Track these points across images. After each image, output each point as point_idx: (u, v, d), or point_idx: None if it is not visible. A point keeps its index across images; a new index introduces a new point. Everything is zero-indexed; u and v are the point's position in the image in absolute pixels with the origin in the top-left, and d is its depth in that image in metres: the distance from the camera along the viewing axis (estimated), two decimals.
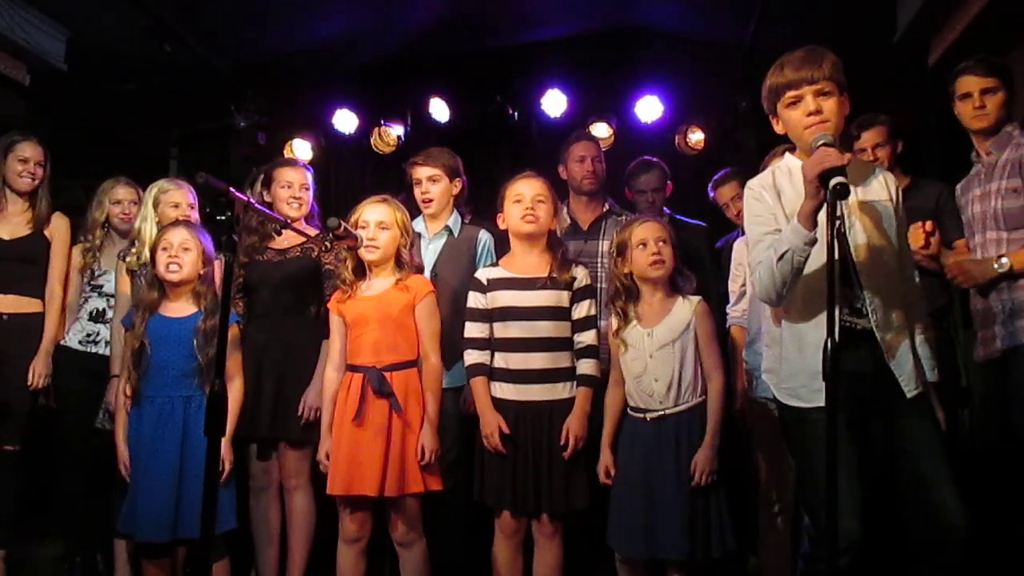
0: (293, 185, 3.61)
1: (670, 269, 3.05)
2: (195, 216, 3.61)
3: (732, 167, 4.14)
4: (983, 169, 3.12)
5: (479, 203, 3.85)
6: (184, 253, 3.14)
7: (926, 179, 3.67)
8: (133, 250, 3.57)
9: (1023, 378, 2.88)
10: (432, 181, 3.53)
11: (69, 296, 3.85)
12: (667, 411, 2.98)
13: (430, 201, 3.54)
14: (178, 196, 3.62)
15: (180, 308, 3.19)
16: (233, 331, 3.21)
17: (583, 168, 3.94)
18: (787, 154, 2.52)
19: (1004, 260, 2.94)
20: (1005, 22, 3.74)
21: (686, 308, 3.04)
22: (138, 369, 3.12)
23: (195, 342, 3.10)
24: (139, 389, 3.11)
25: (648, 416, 3.00)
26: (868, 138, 3.63)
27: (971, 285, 3.07)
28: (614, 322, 3.11)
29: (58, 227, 3.84)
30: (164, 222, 3.53)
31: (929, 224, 3.09)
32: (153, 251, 3.21)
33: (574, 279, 3.11)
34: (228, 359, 3.13)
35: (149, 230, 3.54)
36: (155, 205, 3.59)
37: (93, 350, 3.71)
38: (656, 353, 3.00)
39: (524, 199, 3.11)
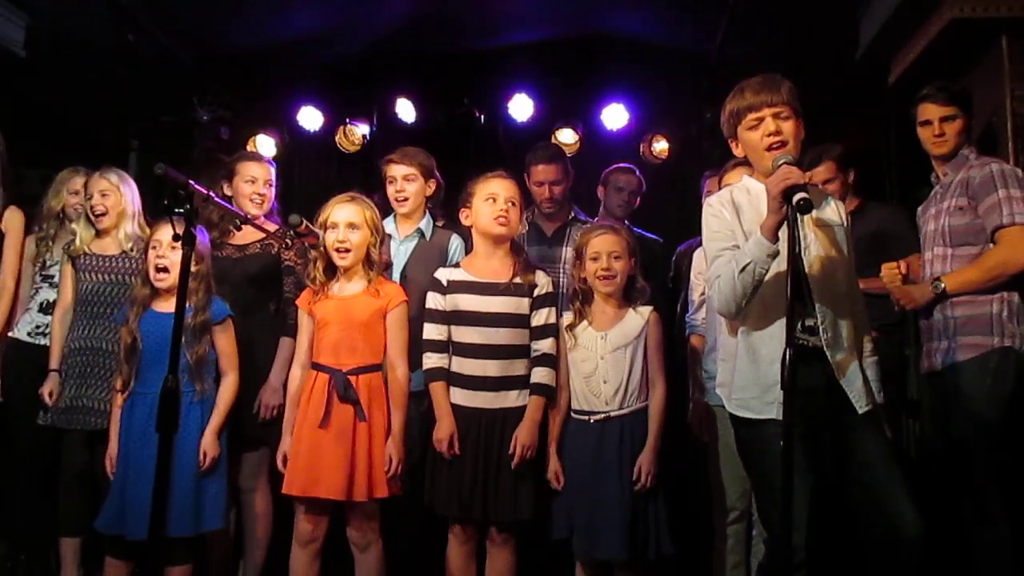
0: (257, 181, 3.57)
1: (620, 284, 3.10)
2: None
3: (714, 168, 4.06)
4: (940, 190, 3.20)
5: (447, 206, 3.85)
6: (172, 252, 3.08)
7: (875, 202, 3.75)
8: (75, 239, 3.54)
9: (962, 394, 2.96)
10: (407, 180, 3.50)
11: (20, 287, 3.77)
12: (612, 413, 3.01)
13: (405, 200, 3.50)
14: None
15: (171, 304, 3.12)
16: (227, 325, 3.18)
17: (541, 192, 3.95)
18: (744, 176, 2.59)
19: (940, 283, 3.04)
20: (963, 44, 3.82)
21: (639, 317, 3.10)
22: (130, 365, 3.09)
23: (184, 338, 3.05)
24: (131, 385, 3.09)
25: (592, 418, 3.03)
26: (818, 174, 3.68)
27: (913, 307, 3.17)
28: (567, 317, 3.14)
29: (12, 221, 3.76)
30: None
31: (903, 266, 3.20)
32: (145, 248, 3.18)
33: (535, 285, 3.12)
34: (221, 354, 3.16)
35: (82, 223, 3.56)
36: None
37: (42, 342, 3.63)
38: (608, 356, 3.04)
39: (498, 199, 3.09)
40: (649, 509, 2.97)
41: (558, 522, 3.03)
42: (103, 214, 3.49)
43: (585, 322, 3.11)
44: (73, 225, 3.61)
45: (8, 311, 3.72)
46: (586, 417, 3.05)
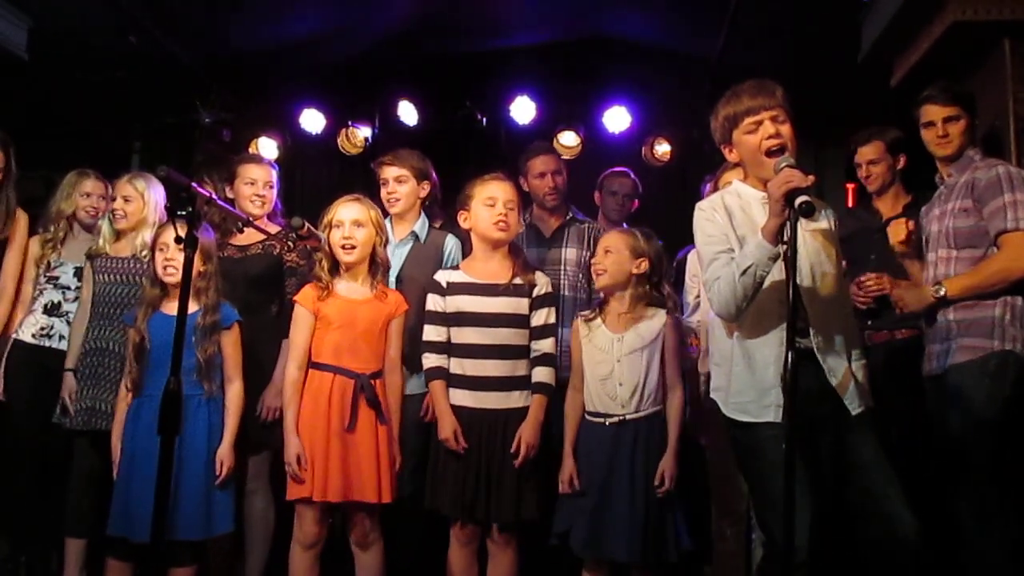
0: (257, 182, 3.58)
1: (606, 282, 3.11)
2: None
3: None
4: (944, 191, 3.19)
5: (448, 207, 3.85)
6: (180, 254, 3.08)
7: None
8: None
9: (961, 395, 2.95)
10: (399, 182, 3.51)
11: (24, 289, 3.77)
12: (628, 416, 3.01)
13: (396, 202, 3.52)
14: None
15: None
16: (235, 331, 3.19)
17: (544, 184, 3.95)
18: (735, 181, 2.60)
19: (941, 288, 3.02)
20: (966, 47, 3.82)
21: (657, 319, 3.09)
22: (138, 365, 3.09)
23: (195, 338, 3.07)
24: (139, 386, 3.09)
25: (608, 420, 3.02)
26: (863, 153, 3.69)
27: (909, 311, 3.17)
28: (580, 324, 3.15)
29: (18, 225, 3.76)
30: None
31: (912, 223, 3.17)
32: (152, 249, 3.20)
33: (534, 285, 3.12)
34: (227, 359, 3.15)
35: (105, 223, 3.60)
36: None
37: (47, 344, 3.63)
38: (624, 358, 3.04)
39: (497, 203, 3.10)
40: (666, 511, 2.96)
41: (561, 516, 3.03)
42: (122, 218, 3.54)
43: (599, 320, 3.12)
44: (100, 222, 3.65)
45: (7, 314, 3.72)
46: (601, 419, 3.04)
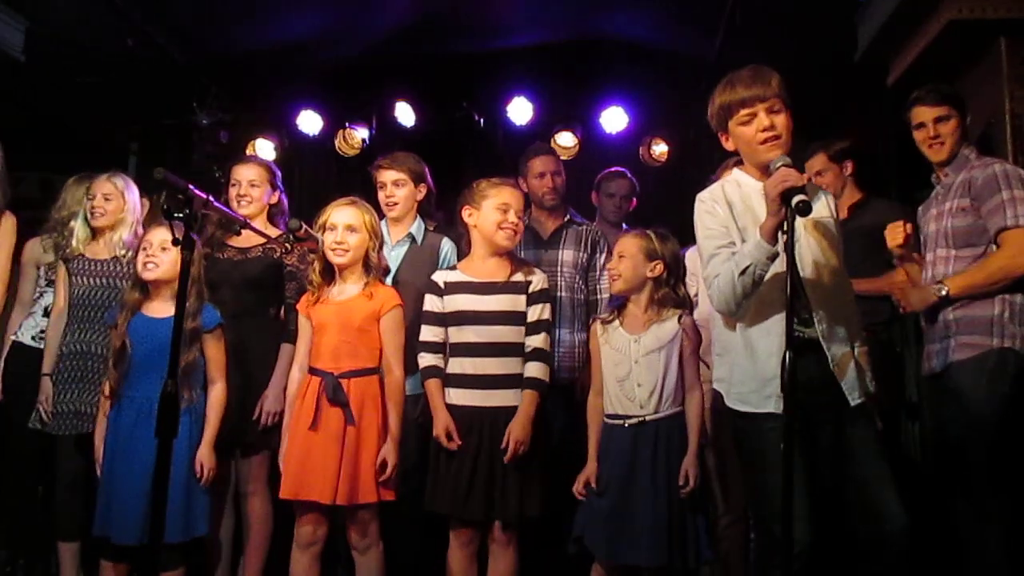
0: (240, 183, 3.57)
1: (621, 288, 3.12)
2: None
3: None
4: (941, 190, 3.20)
5: (447, 208, 3.85)
6: (162, 253, 3.09)
7: (878, 198, 3.74)
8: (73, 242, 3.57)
9: (960, 393, 2.96)
10: (396, 185, 3.52)
11: (23, 291, 3.77)
12: (648, 417, 2.99)
13: (394, 205, 3.53)
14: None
15: (162, 308, 3.13)
16: (218, 333, 3.18)
17: (543, 184, 3.96)
18: (736, 169, 2.60)
19: (943, 287, 3.02)
20: (962, 45, 3.83)
21: (674, 320, 3.08)
22: (119, 368, 3.08)
23: None
24: (119, 389, 3.07)
25: (627, 422, 3.01)
26: (810, 166, 3.77)
27: (912, 310, 3.18)
28: (597, 327, 3.15)
29: (5, 227, 3.74)
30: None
31: (910, 226, 3.17)
32: (136, 250, 3.19)
33: (530, 282, 3.12)
34: (210, 361, 3.14)
35: (79, 224, 3.59)
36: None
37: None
38: (642, 359, 3.03)
39: (510, 211, 3.09)
40: (688, 516, 2.94)
41: (579, 522, 3.02)
42: (102, 215, 3.51)
43: (616, 322, 3.12)
44: (72, 223, 3.61)
45: None
46: (620, 421, 3.03)
